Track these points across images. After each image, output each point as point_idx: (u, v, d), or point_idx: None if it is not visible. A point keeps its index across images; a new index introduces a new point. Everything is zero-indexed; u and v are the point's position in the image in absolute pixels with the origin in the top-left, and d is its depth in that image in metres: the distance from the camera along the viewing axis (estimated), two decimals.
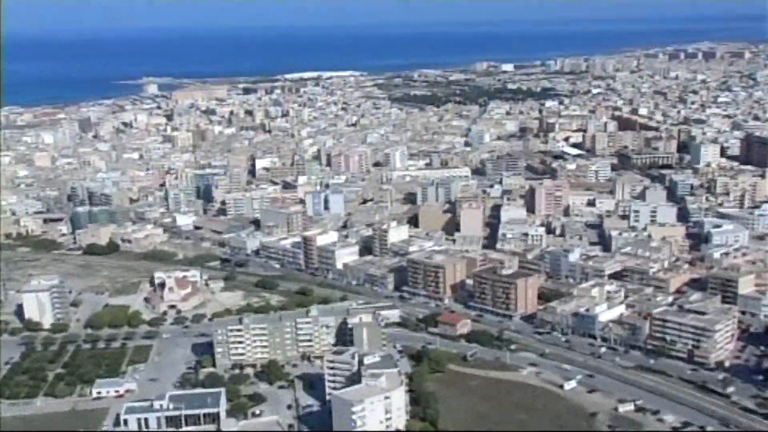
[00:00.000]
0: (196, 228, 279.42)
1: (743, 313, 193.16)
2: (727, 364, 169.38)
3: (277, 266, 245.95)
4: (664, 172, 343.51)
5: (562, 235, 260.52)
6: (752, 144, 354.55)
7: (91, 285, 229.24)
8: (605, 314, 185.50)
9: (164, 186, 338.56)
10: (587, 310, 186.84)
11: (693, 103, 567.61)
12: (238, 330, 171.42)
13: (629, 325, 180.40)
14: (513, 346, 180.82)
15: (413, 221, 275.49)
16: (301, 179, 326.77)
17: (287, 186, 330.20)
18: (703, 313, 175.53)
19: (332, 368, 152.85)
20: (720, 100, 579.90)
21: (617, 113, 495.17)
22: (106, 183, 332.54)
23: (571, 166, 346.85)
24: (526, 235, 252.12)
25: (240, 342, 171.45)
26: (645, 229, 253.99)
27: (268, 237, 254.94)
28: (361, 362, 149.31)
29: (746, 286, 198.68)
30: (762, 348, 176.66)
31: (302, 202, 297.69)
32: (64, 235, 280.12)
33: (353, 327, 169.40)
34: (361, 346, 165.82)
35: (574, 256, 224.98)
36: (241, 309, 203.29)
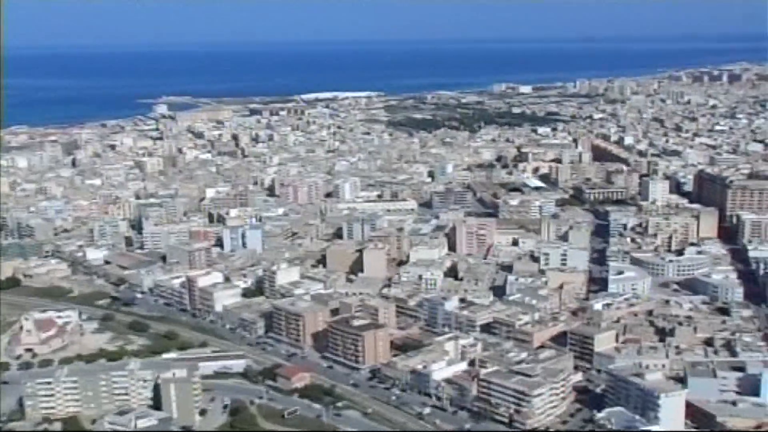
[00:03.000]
0: (106, 263, 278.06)
1: (599, 371, 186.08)
2: (551, 430, 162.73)
3: (165, 306, 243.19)
4: (609, 208, 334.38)
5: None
6: (704, 181, 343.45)
7: None
8: (443, 372, 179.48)
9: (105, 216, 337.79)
10: (424, 366, 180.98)
11: (687, 131, 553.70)
12: (47, 382, 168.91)
13: (458, 385, 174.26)
14: (340, 404, 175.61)
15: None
16: (233, 212, 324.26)
17: (221, 219, 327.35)
18: (529, 375, 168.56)
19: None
20: (717, 128, 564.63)
21: (596, 142, 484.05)
22: (41, 212, 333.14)
23: (514, 202, 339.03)
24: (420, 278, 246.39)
25: (51, 395, 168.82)
26: (543, 274, 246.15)
27: (164, 275, 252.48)
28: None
29: (603, 343, 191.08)
30: (595, 412, 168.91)
31: None
32: None
33: (161, 382, 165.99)
34: (168, 403, 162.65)
35: (450, 305, 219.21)
36: (95, 354, 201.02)
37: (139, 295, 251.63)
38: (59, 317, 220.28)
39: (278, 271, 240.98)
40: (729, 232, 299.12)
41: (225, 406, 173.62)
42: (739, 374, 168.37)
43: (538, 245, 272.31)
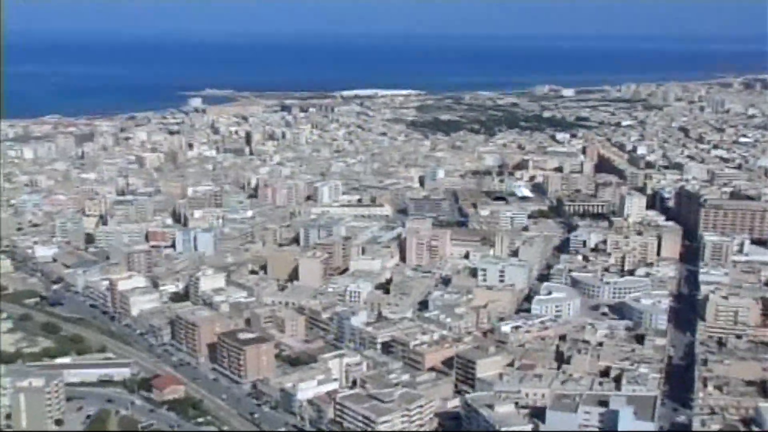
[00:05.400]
0: (54, 261, 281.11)
1: None
2: None
3: (91, 308, 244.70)
4: (580, 223, 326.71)
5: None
6: (682, 198, 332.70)
7: None
8: (309, 392, 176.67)
9: (81, 211, 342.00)
10: (293, 385, 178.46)
11: (709, 142, 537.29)
12: None
13: (317, 406, 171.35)
14: (201, 419, 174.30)
15: None
16: (197, 213, 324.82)
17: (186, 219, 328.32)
18: (382, 401, 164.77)
19: None
20: (742, 140, 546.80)
21: (601, 152, 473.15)
22: (20, 205, 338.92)
23: (485, 212, 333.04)
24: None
25: None
26: (469, 292, 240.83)
27: (96, 276, 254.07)
28: None
29: (487, 368, 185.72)
30: None
31: None
32: None
33: (12, 392, 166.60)
34: (18, 412, 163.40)
35: (357, 320, 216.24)
36: None
37: (71, 296, 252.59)
38: None
39: (202, 278, 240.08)
40: (693, 253, 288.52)
41: (87, 417, 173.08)
42: (602, 409, 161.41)
43: (480, 260, 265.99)
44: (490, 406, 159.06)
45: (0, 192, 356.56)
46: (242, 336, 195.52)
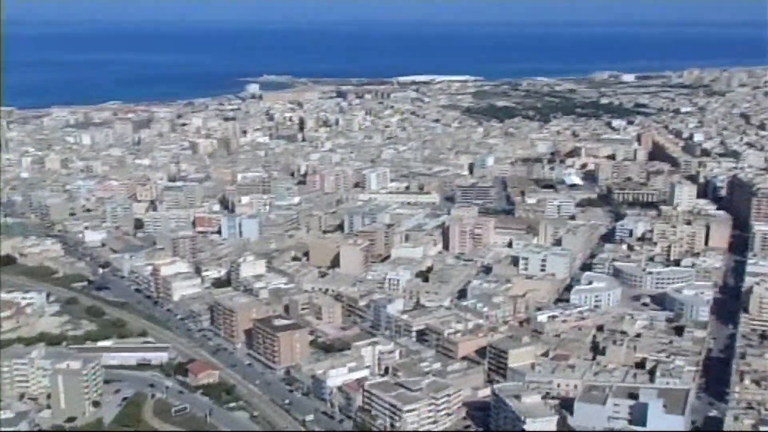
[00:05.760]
0: (102, 245, 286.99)
1: None
2: None
3: (136, 293, 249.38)
4: (629, 212, 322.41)
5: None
6: (735, 187, 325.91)
7: None
8: (339, 378, 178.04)
9: (133, 197, 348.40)
10: (324, 372, 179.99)
11: None
12: None
13: (346, 393, 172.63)
14: (233, 404, 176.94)
15: None
16: (244, 199, 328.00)
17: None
18: (410, 389, 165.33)
19: None
20: None
21: (656, 139, 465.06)
22: (74, 191, 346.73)
23: (531, 200, 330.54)
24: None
25: None
26: (508, 281, 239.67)
27: (141, 261, 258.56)
28: None
29: (519, 358, 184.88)
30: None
31: None
32: None
33: (51, 373, 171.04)
34: (57, 393, 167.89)
35: (393, 308, 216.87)
36: (35, 338, 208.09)
37: (117, 280, 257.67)
38: (24, 298, 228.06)
39: (243, 264, 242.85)
40: (743, 243, 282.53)
41: (124, 399, 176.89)
42: (632, 402, 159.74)
43: (522, 248, 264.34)
44: (518, 397, 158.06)
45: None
46: (277, 323, 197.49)
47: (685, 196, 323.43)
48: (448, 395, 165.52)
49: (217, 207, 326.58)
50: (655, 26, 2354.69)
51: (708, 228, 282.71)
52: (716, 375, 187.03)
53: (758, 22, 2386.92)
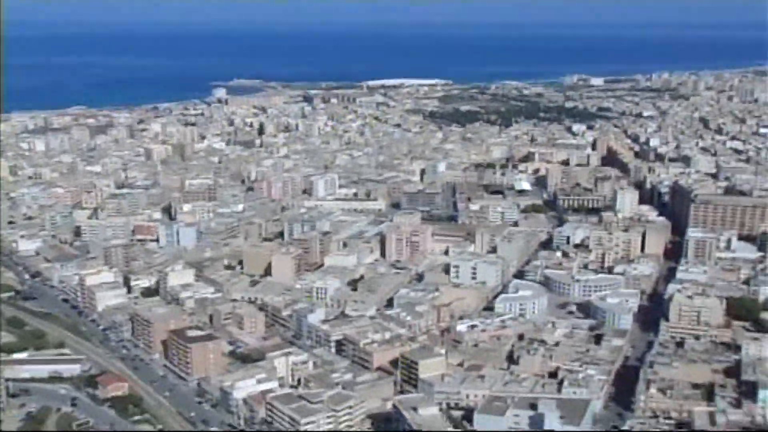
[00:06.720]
0: (37, 254, 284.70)
1: None
2: None
3: (63, 303, 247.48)
4: (571, 218, 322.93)
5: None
6: (675, 194, 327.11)
7: None
8: (245, 391, 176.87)
9: (78, 204, 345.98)
10: (231, 384, 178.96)
11: (727, 134, 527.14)
12: None
13: (250, 406, 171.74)
14: (138, 417, 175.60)
15: None
16: (186, 206, 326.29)
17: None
18: (310, 402, 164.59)
19: None
20: (762, 131, 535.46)
21: (610, 144, 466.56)
22: (18, 199, 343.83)
23: (474, 207, 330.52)
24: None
25: None
26: (437, 289, 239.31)
27: (69, 271, 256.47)
28: None
29: (430, 369, 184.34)
30: None
31: None
32: None
33: None
34: None
35: (314, 318, 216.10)
36: None
37: (46, 290, 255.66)
38: None
39: (170, 273, 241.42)
40: (679, 250, 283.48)
41: (28, 413, 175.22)
42: (532, 413, 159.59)
43: (454, 256, 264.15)
44: (415, 409, 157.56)
45: None
46: (191, 334, 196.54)
47: (628, 202, 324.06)
48: (350, 407, 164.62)
49: (158, 215, 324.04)
50: (631, 28, 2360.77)
51: (644, 235, 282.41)
52: (628, 384, 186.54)
53: (726, 24, 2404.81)
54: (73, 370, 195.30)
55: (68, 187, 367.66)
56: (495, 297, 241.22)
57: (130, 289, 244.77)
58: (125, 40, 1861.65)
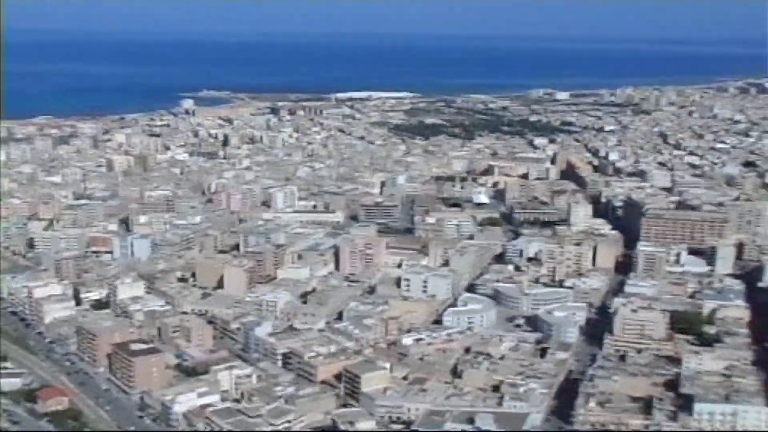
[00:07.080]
0: None
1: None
2: None
3: (11, 315, 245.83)
4: (525, 232, 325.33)
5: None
6: (628, 207, 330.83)
7: None
8: (189, 404, 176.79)
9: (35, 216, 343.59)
10: (172, 398, 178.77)
11: (685, 148, 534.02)
12: None
13: (190, 420, 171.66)
14: None
15: None
16: (142, 218, 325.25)
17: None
18: (249, 416, 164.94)
19: None
20: (719, 146, 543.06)
21: (569, 158, 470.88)
22: None
23: (431, 220, 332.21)
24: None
25: None
26: (386, 302, 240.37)
27: (23, 283, 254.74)
28: None
29: (372, 382, 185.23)
30: None
31: None
32: None
33: None
34: None
35: (261, 331, 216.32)
36: None
37: None
38: None
39: (120, 285, 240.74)
40: (630, 264, 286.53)
41: None
42: (469, 427, 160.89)
43: (405, 269, 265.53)
44: (351, 423, 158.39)
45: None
46: (134, 347, 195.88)
47: (581, 215, 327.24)
48: (289, 421, 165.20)
49: (114, 226, 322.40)
50: (594, 42, 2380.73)
51: (596, 248, 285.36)
52: (570, 398, 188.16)
53: (690, 39, 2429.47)
54: (14, 383, 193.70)
55: (25, 198, 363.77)
56: (445, 310, 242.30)
57: (79, 302, 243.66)
58: (94, 47, 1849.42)
